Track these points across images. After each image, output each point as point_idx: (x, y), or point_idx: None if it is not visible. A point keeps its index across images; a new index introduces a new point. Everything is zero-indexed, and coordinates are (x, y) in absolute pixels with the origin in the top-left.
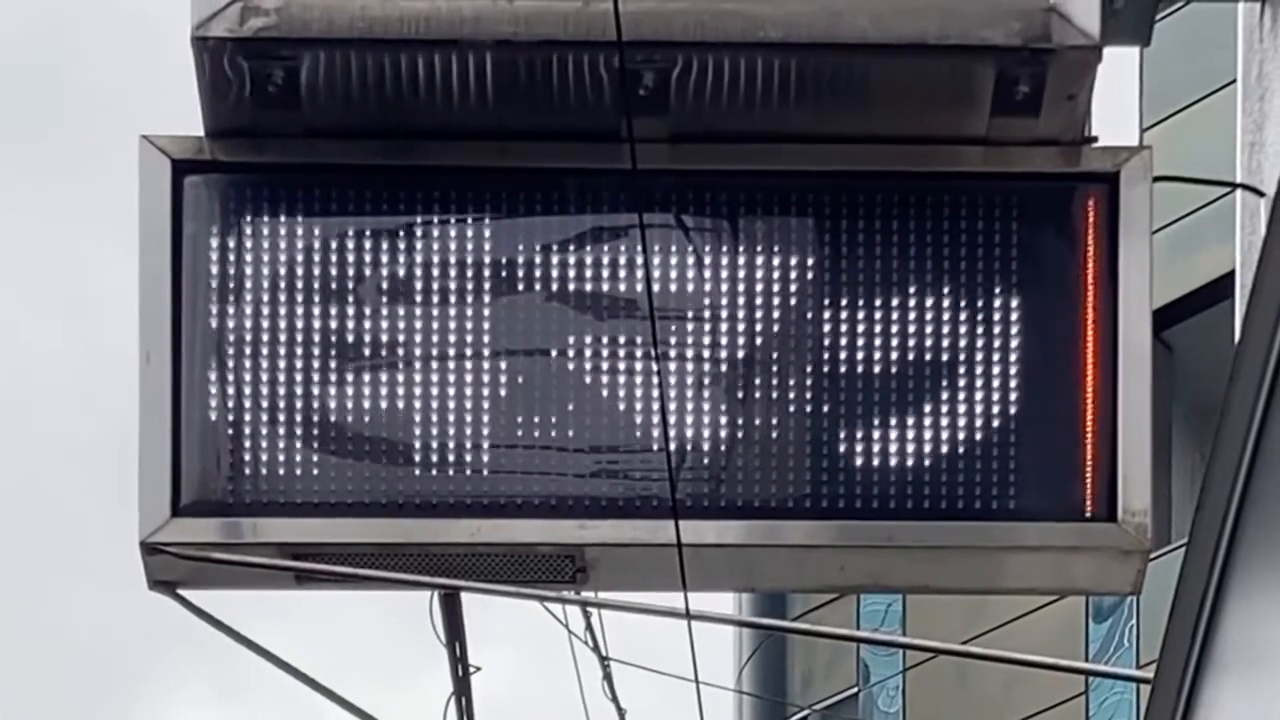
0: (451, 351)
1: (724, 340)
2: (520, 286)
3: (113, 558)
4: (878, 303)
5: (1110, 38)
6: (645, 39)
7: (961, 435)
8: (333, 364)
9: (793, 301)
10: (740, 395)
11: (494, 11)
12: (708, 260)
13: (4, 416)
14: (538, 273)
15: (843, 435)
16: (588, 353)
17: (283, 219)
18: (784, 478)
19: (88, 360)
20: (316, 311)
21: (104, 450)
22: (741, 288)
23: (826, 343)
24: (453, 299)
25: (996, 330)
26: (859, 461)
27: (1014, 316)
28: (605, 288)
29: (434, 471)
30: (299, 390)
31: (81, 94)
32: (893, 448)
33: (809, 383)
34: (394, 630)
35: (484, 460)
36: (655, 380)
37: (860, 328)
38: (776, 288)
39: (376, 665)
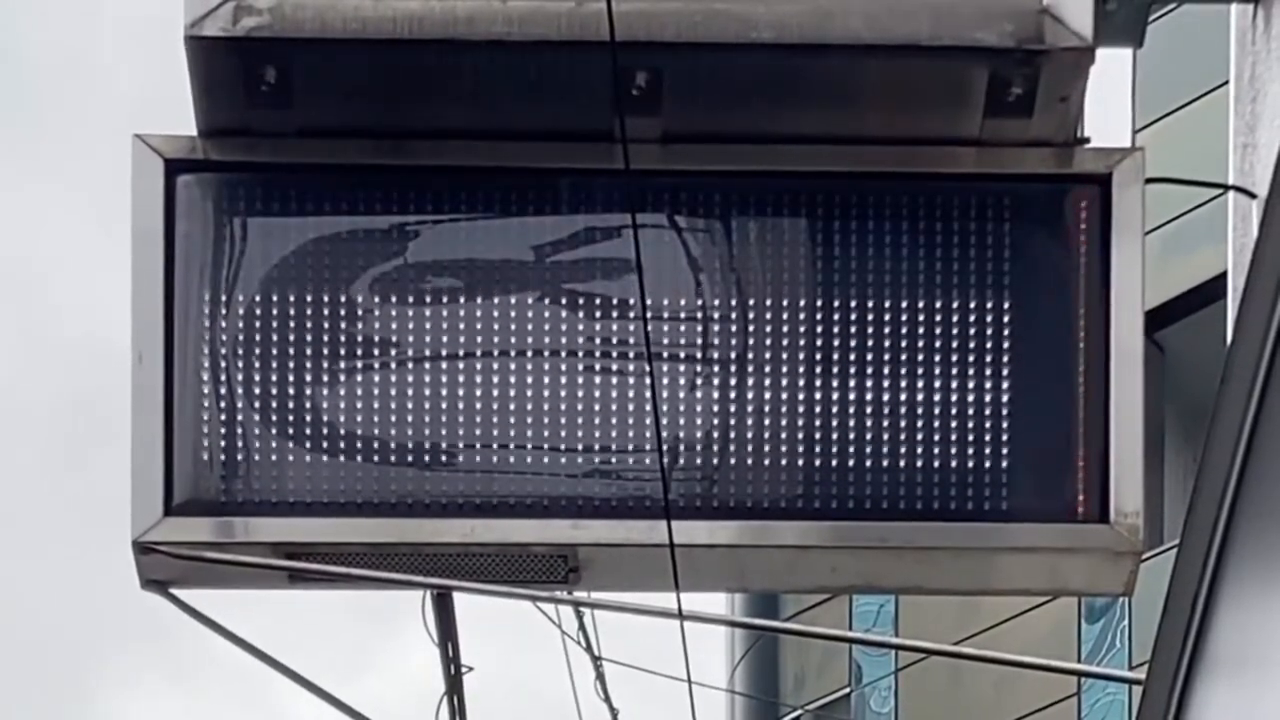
0: (444, 351)
1: (716, 340)
2: (513, 286)
3: (60, 548)
4: (870, 304)
5: (1103, 39)
6: (638, 39)
7: (953, 436)
8: (325, 363)
9: (785, 302)
10: (732, 396)
11: (487, 12)
12: (700, 260)
13: None
14: (530, 272)
15: (835, 436)
16: (580, 353)
17: (275, 218)
18: (776, 478)
19: (31, 337)
20: (309, 311)
21: (45, 436)
22: (734, 288)
23: (819, 343)
24: (445, 298)
25: (988, 331)
26: (851, 462)
27: (1006, 317)
28: (598, 287)
29: (427, 471)
30: (291, 389)
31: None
32: (885, 448)
33: (801, 383)
34: (362, 619)
35: (477, 460)
36: (648, 380)
37: (852, 329)
38: (769, 288)
39: (351, 657)
